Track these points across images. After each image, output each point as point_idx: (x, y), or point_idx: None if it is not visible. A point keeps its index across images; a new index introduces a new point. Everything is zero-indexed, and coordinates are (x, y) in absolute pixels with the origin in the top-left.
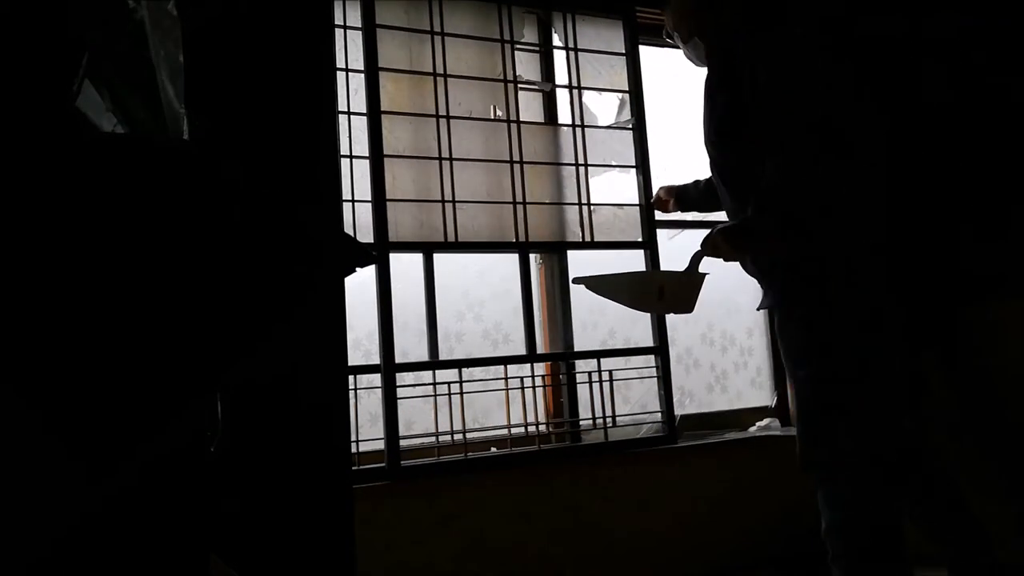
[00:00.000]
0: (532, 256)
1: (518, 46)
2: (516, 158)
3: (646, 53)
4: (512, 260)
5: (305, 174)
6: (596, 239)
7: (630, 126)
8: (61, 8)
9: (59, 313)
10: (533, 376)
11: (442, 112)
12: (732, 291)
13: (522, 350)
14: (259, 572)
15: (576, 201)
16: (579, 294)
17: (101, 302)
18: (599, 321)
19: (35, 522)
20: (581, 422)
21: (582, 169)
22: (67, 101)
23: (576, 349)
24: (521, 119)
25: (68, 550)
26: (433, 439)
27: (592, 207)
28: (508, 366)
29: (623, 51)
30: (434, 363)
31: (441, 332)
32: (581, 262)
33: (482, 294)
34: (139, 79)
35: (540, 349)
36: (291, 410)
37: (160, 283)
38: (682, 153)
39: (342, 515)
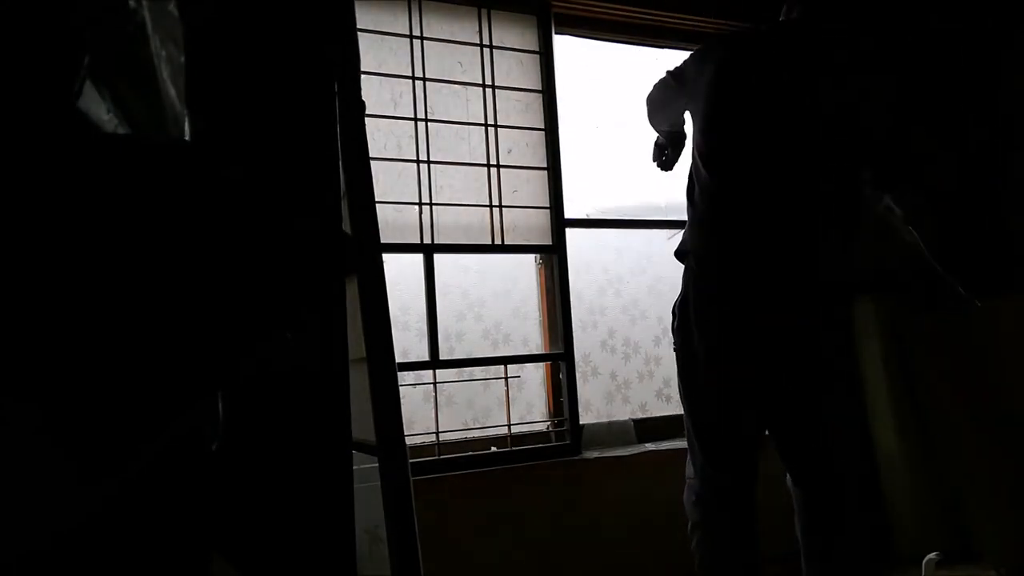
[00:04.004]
0: (533, 256)
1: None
2: (424, 157)
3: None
4: (512, 260)
5: (305, 174)
6: (507, 242)
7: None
8: (62, 8)
9: (59, 312)
10: (435, 383)
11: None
12: None
13: (521, 350)
14: (260, 570)
15: (487, 203)
16: (579, 294)
17: (102, 302)
18: (599, 321)
19: (35, 522)
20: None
21: (494, 170)
22: (68, 101)
23: (559, 351)
24: (432, 117)
25: (69, 550)
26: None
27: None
28: (508, 366)
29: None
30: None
31: (441, 332)
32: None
33: (482, 294)
34: (140, 79)
35: (541, 349)
36: (292, 410)
37: (161, 283)
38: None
39: (342, 513)
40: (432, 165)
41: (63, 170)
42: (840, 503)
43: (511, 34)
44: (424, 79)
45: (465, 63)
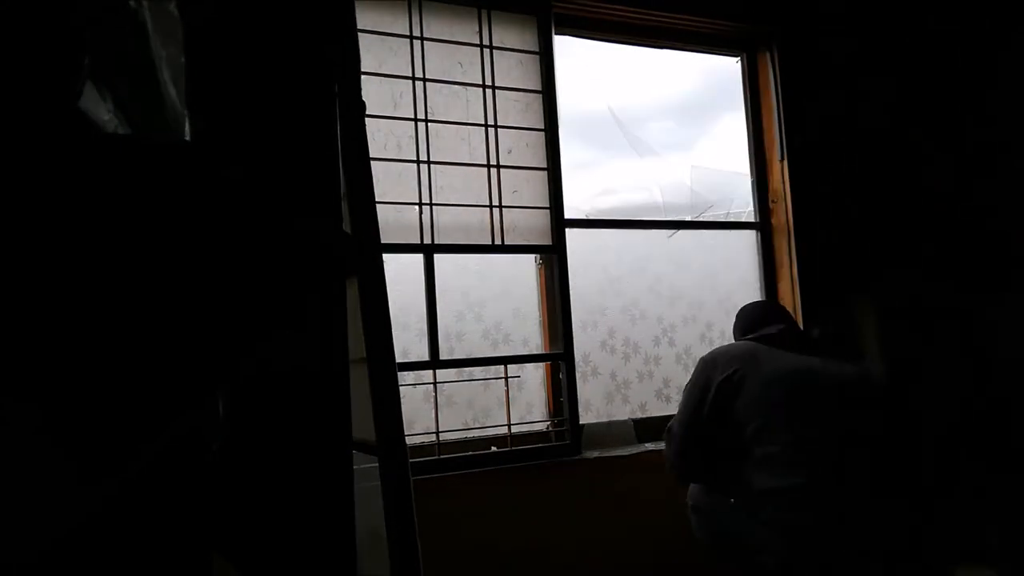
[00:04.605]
0: (533, 256)
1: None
2: (424, 157)
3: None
4: (512, 260)
5: (305, 174)
6: (507, 242)
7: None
8: (62, 8)
9: (60, 313)
10: (435, 383)
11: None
12: (732, 291)
13: (521, 350)
14: (260, 570)
15: (487, 203)
16: (579, 294)
17: (102, 302)
18: (599, 321)
19: (36, 522)
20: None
21: (494, 170)
22: (69, 102)
23: (559, 351)
24: (432, 118)
25: (69, 550)
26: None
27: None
28: (508, 366)
29: (536, 49)
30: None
31: (441, 332)
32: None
33: (482, 294)
34: (141, 80)
35: (541, 349)
36: (292, 410)
37: (161, 283)
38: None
39: (342, 513)
40: (432, 165)
41: (64, 170)
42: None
43: (511, 34)
44: (424, 79)
45: (465, 63)
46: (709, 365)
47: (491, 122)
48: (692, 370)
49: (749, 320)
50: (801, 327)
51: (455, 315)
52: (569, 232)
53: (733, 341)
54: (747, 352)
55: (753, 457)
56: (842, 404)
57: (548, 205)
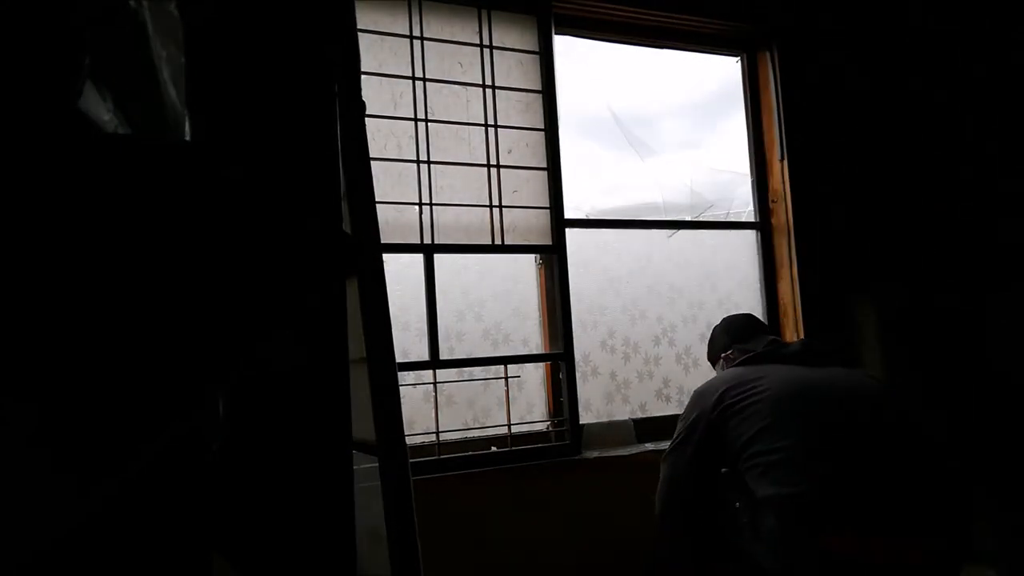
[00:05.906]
0: (533, 256)
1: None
2: (424, 157)
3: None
4: (512, 260)
5: (305, 174)
6: (507, 242)
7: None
8: (62, 8)
9: (60, 313)
10: (435, 383)
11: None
12: (732, 291)
13: (521, 350)
14: (260, 571)
15: (487, 203)
16: (579, 294)
17: (102, 302)
18: (599, 321)
19: (36, 522)
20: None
21: (494, 170)
22: (69, 102)
23: (559, 351)
24: (432, 118)
25: (69, 550)
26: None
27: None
28: (508, 365)
29: (536, 49)
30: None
31: (441, 332)
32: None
33: (482, 294)
34: (141, 80)
35: (541, 349)
36: (292, 410)
37: (161, 284)
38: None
39: (342, 513)
40: (432, 165)
41: (64, 171)
42: None
43: (511, 34)
44: (424, 79)
45: (465, 63)
46: (696, 412)
47: (491, 122)
48: (691, 370)
49: (742, 330)
50: (802, 330)
51: (455, 315)
52: (569, 232)
53: (719, 351)
54: (726, 381)
55: (754, 467)
56: (848, 411)
57: (548, 205)
